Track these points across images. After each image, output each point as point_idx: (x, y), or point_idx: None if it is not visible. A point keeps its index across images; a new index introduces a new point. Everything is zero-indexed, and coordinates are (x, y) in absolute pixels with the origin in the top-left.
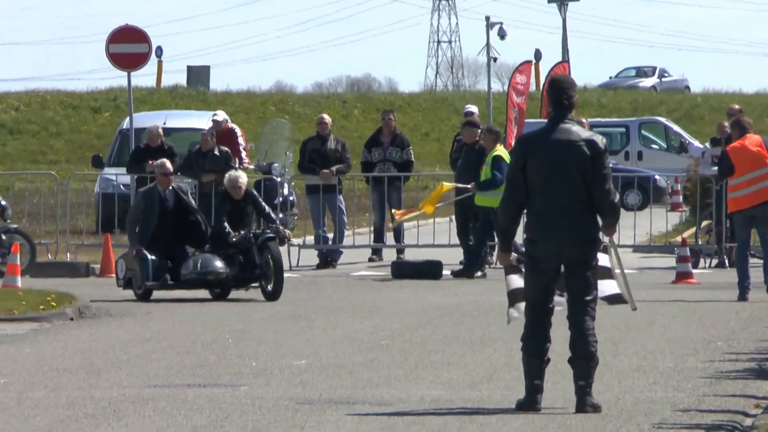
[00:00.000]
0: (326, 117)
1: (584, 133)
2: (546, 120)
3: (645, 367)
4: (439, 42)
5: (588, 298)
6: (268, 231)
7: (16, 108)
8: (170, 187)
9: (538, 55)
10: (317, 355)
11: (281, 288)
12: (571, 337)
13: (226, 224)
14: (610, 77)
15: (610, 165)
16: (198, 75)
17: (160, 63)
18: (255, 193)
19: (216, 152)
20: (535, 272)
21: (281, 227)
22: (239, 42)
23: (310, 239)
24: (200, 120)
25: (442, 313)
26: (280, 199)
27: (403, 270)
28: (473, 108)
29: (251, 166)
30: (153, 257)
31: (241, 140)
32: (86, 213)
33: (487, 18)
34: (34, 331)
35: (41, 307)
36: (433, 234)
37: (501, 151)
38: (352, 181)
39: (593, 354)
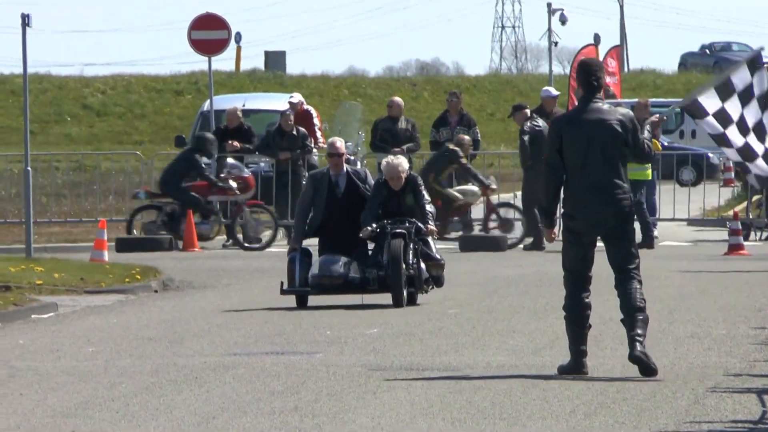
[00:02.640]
0: (397, 99)
1: (616, 112)
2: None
3: (699, 334)
4: (503, 27)
5: (631, 266)
6: (403, 225)
7: (102, 91)
8: (343, 171)
9: (597, 39)
10: (389, 324)
11: (400, 295)
12: (620, 300)
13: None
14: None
15: (665, 143)
16: (275, 60)
17: (239, 48)
18: (418, 180)
19: (294, 132)
20: (575, 244)
21: (431, 223)
22: (314, 28)
23: None
24: (277, 102)
25: (507, 283)
26: None
27: (470, 243)
28: (552, 90)
29: (325, 146)
30: (306, 257)
31: (316, 121)
32: None
33: (549, 4)
34: (120, 303)
35: (126, 279)
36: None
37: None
38: (421, 160)
39: (642, 308)
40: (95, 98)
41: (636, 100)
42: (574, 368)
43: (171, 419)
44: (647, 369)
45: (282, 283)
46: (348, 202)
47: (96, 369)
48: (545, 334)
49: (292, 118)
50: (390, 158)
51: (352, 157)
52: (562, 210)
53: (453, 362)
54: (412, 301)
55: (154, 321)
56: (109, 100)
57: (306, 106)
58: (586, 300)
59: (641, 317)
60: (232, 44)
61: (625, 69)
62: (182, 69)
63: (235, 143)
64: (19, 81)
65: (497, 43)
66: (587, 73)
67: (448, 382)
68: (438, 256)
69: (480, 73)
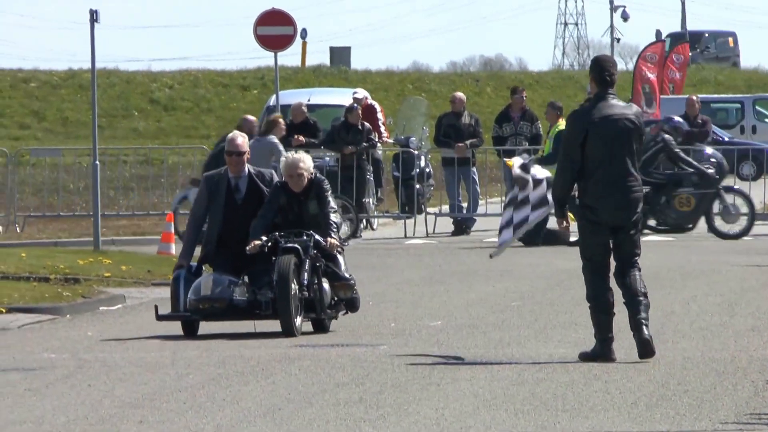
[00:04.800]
0: (460, 94)
1: (630, 107)
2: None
3: (759, 327)
4: (566, 24)
5: (635, 256)
6: (298, 238)
7: (170, 86)
8: (244, 172)
9: (658, 35)
10: (452, 316)
11: (289, 321)
12: (624, 287)
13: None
14: None
15: (726, 138)
16: (340, 55)
17: (304, 44)
18: (324, 184)
19: (359, 127)
20: (595, 234)
21: (334, 236)
22: (378, 24)
23: (445, 208)
24: (342, 97)
25: (569, 276)
26: (417, 170)
27: (532, 236)
28: None
29: (390, 140)
30: (195, 277)
31: (380, 116)
32: None
33: (611, 1)
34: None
35: None
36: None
37: (563, 125)
38: (484, 155)
39: (646, 294)
40: (162, 93)
41: (686, 96)
42: (602, 355)
43: (237, 410)
44: (649, 352)
45: (156, 308)
46: (250, 209)
47: (163, 360)
48: None
49: (359, 112)
50: (290, 154)
51: (416, 152)
52: (580, 201)
53: (516, 354)
54: (321, 327)
55: None
56: (177, 94)
57: (370, 101)
58: (609, 286)
59: (645, 302)
60: (298, 40)
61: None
62: (249, 64)
63: (301, 138)
64: (88, 76)
65: (560, 39)
66: (601, 69)
67: (510, 374)
68: (347, 275)
69: (543, 69)
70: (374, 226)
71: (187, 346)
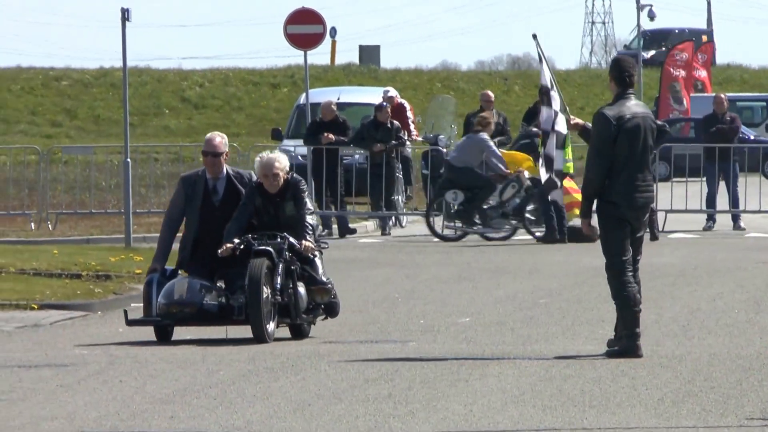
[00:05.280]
0: (489, 93)
1: (646, 108)
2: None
3: None
4: (593, 23)
5: (639, 256)
6: (271, 241)
7: (200, 85)
8: (223, 174)
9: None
10: (480, 313)
11: (260, 327)
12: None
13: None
14: None
15: (751, 137)
16: (369, 54)
17: (334, 43)
18: (301, 185)
19: (388, 125)
20: (618, 230)
21: (309, 239)
22: (407, 22)
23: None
24: (371, 96)
25: (596, 273)
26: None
27: (553, 234)
28: None
29: (419, 138)
30: (168, 280)
31: (409, 114)
32: None
33: (638, 0)
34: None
35: None
36: None
37: None
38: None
39: (640, 302)
40: (193, 91)
41: (714, 94)
42: (629, 351)
43: (267, 406)
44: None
45: (126, 313)
46: (227, 210)
47: (194, 356)
48: None
49: (389, 110)
50: (265, 154)
51: (444, 149)
52: (604, 198)
53: (543, 351)
54: (299, 333)
55: None
56: (207, 93)
57: (400, 100)
58: (633, 282)
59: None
60: (328, 38)
61: (713, 64)
62: (279, 63)
63: (330, 135)
64: (119, 74)
65: (587, 38)
66: (622, 70)
67: (538, 370)
68: (324, 279)
69: (570, 68)
70: (403, 224)
71: (217, 343)
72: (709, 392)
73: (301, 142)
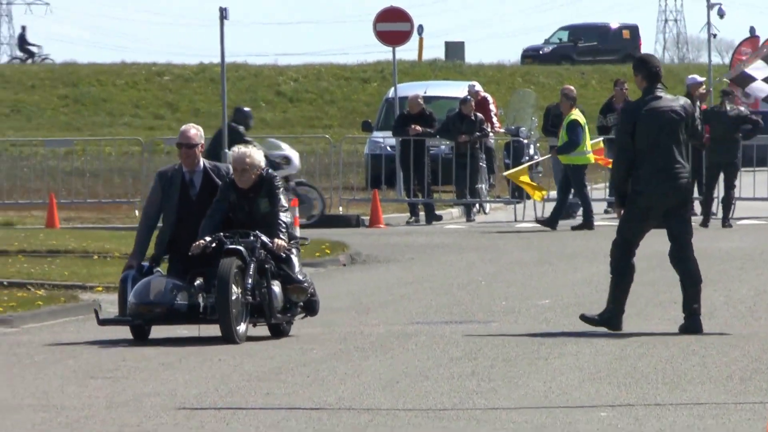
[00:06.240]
0: (570, 88)
1: (677, 100)
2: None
3: None
4: (666, 21)
5: (690, 238)
6: (243, 239)
7: (295, 79)
8: (199, 167)
9: (752, 31)
10: (559, 295)
11: (228, 327)
12: (683, 271)
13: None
14: None
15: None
16: (454, 49)
17: (420, 39)
18: (276, 181)
19: (472, 117)
20: (641, 219)
21: (282, 237)
22: (490, 19)
23: (553, 194)
24: (456, 89)
25: (667, 258)
26: (526, 158)
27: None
28: (697, 77)
29: (502, 130)
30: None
31: (492, 107)
32: (356, 171)
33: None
34: (312, 275)
35: (317, 254)
36: None
37: (576, 115)
38: None
39: (701, 280)
40: (288, 86)
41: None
42: (610, 323)
43: (358, 383)
44: (698, 331)
45: (96, 312)
46: (204, 204)
47: (288, 337)
48: (704, 306)
49: (473, 104)
50: (238, 147)
51: (525, 141)
52: (631, 188)
53: (619, 331)
54: (278, 332)
55: (342, 292)
56: (301, 87)
57: (483, 94)
58: (632, 261)
59: (699, 289)
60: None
61: None
62: (368, 58)
63: (417, 127)
64: (218, 70)
65: (661, 34)
66: (648, 65)
67: (614, 349)
68: (300, 278)
69: None
70: (486, 211)
71: (310, 323)
72: None
73: (390, 133)
